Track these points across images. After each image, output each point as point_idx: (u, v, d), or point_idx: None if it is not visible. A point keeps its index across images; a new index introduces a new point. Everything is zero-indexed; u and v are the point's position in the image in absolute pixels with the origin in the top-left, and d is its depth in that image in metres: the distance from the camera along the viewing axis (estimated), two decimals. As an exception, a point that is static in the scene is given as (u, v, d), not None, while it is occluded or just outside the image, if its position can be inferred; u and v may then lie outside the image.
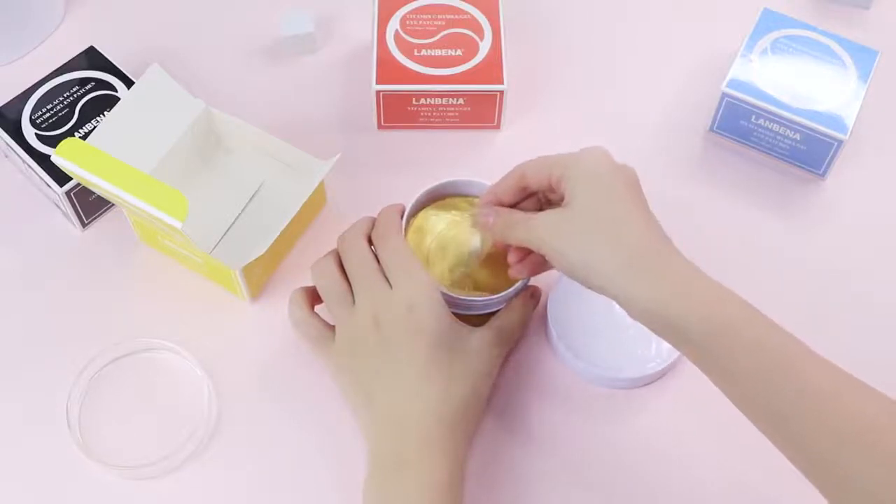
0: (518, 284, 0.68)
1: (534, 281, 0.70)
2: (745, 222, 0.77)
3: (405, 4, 0.82)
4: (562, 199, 0.61)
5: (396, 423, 0.62)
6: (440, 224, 0.70)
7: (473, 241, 0.70)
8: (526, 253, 0.65)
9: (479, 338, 0.65)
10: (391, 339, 0.63)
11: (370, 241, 0.67)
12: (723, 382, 0.56)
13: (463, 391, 0.63)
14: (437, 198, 0.71)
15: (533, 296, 0.70)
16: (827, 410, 0.53)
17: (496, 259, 0.69)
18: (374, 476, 0.61)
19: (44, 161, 0.73)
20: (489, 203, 0.66)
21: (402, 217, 0.68)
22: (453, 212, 0.71)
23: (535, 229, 0.61)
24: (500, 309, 0.68)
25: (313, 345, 0.67)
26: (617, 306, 0.67)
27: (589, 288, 0.59)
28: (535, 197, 0.65)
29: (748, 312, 0.56)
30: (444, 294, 0.65)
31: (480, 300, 0.67)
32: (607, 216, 0.58)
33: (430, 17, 0.81)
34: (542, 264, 0.65)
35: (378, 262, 0.66)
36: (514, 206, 0.65)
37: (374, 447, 0.62)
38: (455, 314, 0.66)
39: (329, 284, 0.66)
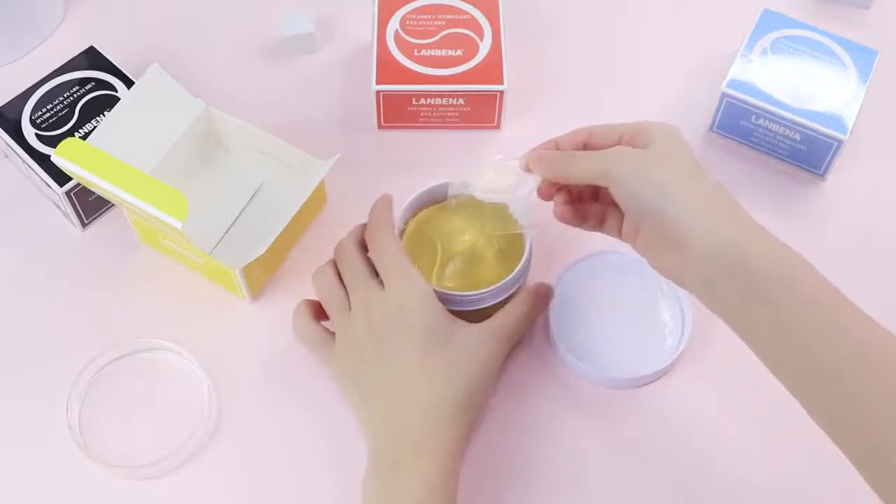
0: (505, 280, 0.67)
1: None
2: (745, 222, 0.77)
3: (405, 4, 0.82)
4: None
5: (394, 421, 0.62)
6: (441, 222, 0.70)
7: (471, 238, 0.70)
8: (574, 198, 0.64)
9: (474, 333, 0.65)
10: (385, 339, 0.63)
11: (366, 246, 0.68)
12: (773, 335, 0.56)
13: (459, 387, 0.63)
14: (436, 199, 0.71)
15: (539, 293, 0.69)
16: (883, 369, 0.53)
17: (493, 254, 0.69)
18: (372, 474, 0.61)
19: (44, 161, 0.73)
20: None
21: (391, 211, 0.68)
22: (453, 211, 0.70)
23: (605, 158, 0.61)
24: (501, 305, 0.68)
25: (315, 351, 0.68)
26: (617, 307, 0.66)
27: (643, 220, 0.59)
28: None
29: (810, 265, 0.57)
30: (435, 291, 0.65)
31: (470, 295, 0.67)
32: (688, 159, 0.61)
33: (430, 17, 0.81)
34: (584, 216, 0.64)
35: (373, 265, 0.66)
36: None
37: (373, 446, 0.62)
38: (454, 311, 0.66)
39: (327, 292, 0.67)
